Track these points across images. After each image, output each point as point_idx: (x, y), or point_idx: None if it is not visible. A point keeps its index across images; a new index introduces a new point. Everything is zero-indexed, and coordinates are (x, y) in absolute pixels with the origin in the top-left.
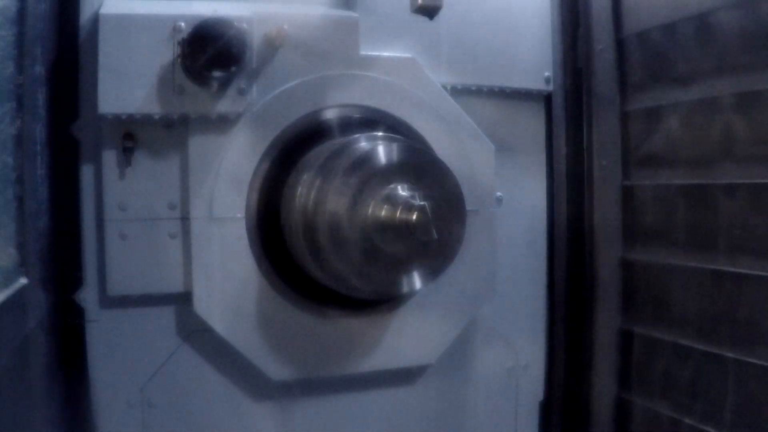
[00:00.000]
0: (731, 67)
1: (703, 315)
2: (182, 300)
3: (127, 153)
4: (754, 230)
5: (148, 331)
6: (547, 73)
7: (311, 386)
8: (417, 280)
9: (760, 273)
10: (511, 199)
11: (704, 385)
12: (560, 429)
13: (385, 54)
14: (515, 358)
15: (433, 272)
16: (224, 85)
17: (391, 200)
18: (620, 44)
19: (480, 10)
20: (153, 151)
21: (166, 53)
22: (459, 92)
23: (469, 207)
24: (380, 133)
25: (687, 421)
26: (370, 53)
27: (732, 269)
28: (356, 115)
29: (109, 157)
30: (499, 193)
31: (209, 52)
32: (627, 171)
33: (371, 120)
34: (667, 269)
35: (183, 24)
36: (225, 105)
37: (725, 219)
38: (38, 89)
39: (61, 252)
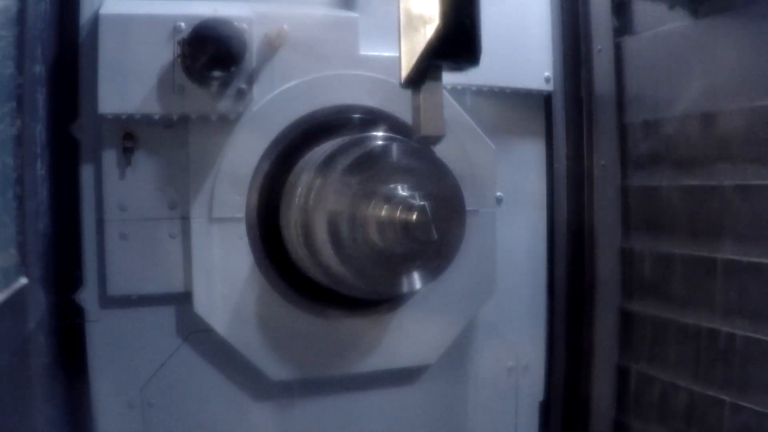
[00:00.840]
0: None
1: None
2: (182, 300)
3: (127, 153)
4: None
5: (148, 331)
6: (547, 73)
7: (311, 386)
8: (417, 280)
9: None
10: (511, 199)
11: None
12: (560, 429)
13: (385, 54)
14: (515, 358)
15: (433, 272)
16: (224, 85)
17: (391, 200)
18: (623, 129)
19: (480, 11)
20: (153, 151)
21: (166, 53)
22: (459, 92)
23: (469, 207)
24: (380, 133)
25: None
26: (370, 53)
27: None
28: (356, 115)
29: (109, 157)
30: (499, 193)
31: (209, 52)
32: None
33: (371, 120)
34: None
35: (183, 24)
36: (225, 105)
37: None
38: (38, 89)
39: (61, 252)
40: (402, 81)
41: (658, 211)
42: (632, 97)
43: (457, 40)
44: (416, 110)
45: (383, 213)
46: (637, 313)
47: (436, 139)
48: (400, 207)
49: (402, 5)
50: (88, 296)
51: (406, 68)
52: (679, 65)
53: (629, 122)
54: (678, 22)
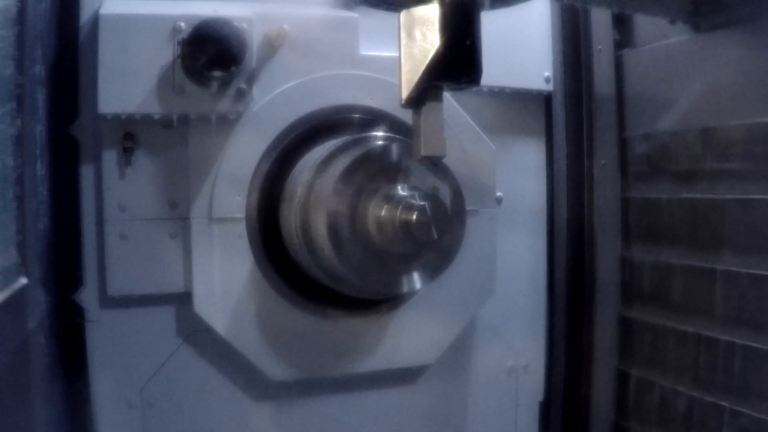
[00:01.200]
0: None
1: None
2: (182, 300)
3: (127, 153)
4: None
5: (148, 331)
6: (547, 73)
7: (311, 386)
8: (417, 281)
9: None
10: (511, 199)
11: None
12: (560, 429)
13: (385, 54)
14: (515, 358)
15: (433, 272)
16: (224, 85)
17: (391, 200)
18: (624, 142)
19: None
20: (153, 151)
21: (166, 53)
22: (459, 92)
23: (469, 207)
24: (380, 133)
25: None
26: (370, 53)
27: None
28: (356, 115)
29: (109, 157)
30: (499, 193)
31: (209, 52)
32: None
33: (371, 120)
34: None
35: (183, 24)
36: (225, 105)
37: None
38: (38, 89)
39: (61, 252)
40: (402, 101)
41: (659, 223)
42: (633, 109)
43: (459, 61)
44: (417, 130)
45: (383, 213)
46: (636, 320)
47: (438, 159)
48: (400, 207)
49: (402, 25)
50: (88, 296)
51: (406, 88)
52: (680, 79)
53: (630, 135)
54: (678, 36)
